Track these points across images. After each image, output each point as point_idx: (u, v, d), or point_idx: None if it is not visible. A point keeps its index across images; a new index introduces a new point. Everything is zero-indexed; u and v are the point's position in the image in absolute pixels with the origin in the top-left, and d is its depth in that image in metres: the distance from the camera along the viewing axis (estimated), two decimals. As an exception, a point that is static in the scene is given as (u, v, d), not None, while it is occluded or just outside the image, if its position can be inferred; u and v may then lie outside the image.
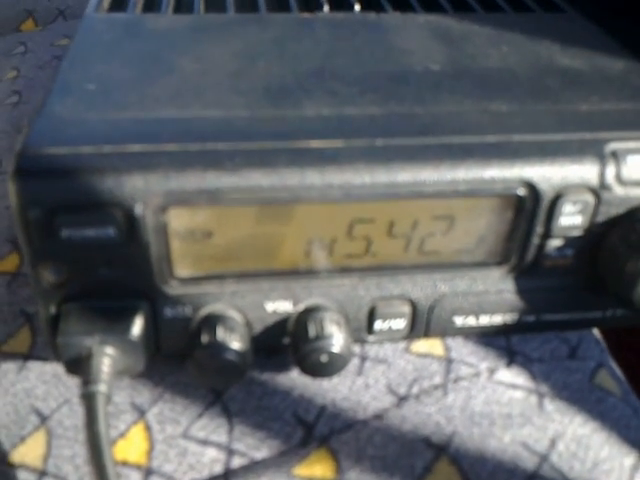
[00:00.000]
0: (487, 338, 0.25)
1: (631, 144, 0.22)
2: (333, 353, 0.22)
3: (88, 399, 0.20)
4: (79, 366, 0.21)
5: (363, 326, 0.24)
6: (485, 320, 0.24)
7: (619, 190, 0.22)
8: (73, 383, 0.24)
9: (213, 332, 0.22)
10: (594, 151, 0.22)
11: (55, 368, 0.25)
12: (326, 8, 0.31)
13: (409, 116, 0.23)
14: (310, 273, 0.23)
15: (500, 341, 0.25)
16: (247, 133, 0.21)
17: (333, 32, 0.29)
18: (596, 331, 0.27)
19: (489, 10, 0.32)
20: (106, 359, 0.21)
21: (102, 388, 0.20)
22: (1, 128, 0.39)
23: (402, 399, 0.23)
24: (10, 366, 0.25)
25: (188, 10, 0.31)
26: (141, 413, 0.23)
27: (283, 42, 0.28)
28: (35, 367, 0.25)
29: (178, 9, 0.31)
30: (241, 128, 0.22)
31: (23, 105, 0.41)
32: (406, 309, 0.24)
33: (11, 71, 0.47)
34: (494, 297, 0.24)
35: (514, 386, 0.24)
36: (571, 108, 0.24)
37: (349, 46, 0.28)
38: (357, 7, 0.32)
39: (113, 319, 0.21)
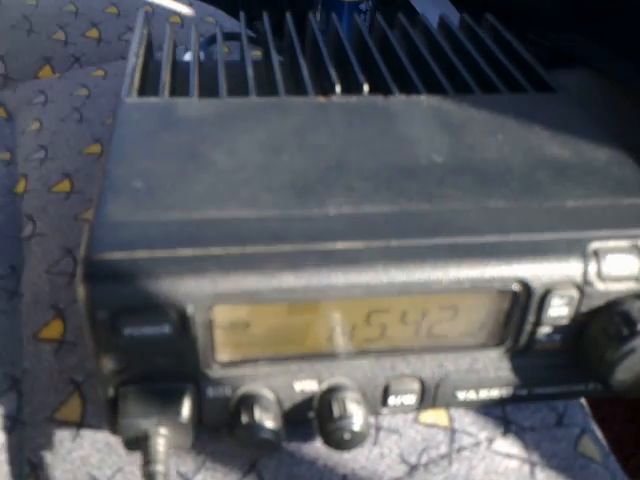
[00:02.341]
0: (486, 408, 0.29)
1: (610, 243, 0.25)
2: (355, 431, 0.25)
3: (149, 477, 0.23)
4: (138, 445, 0.24)
5: (378, 401, 0.27)
6: (484, 394, 0.28)
7: (600, 285, 0.25)
8: (124, 451, 0.27)
9: (251, 413, 0.25)
10: (578, 250, 0.25)
11: (106, 436, 0.28)
12: (338, 89, 0.34)
13: (418, 214, 0.26)
14: (332, 355, 0.26)
15: (497, 410, 0.29)
16: (280, 235, 0.25)
17: (347, 119, 0.32)
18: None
19: (486, 91, 0.35)
20: (161, 439, 0.24)
21: (160, 468, 0.23)
22: (32, 186, 0.42)
23: (413, 468, 0.27)
24: (65, 434, 0.28)
25: (213, 93, 0.34)
26: (186, 480, 0.27)
27: (303, 131, 0.31)
28: (88, 435, 0.28)
29: (204, 92, 0.34)
30: (274, 230, 0.25)
31: (50, 162, 0.44)
32: (416, 386, 0.27)
33: (34, 122, 0.49)
34: (492, 374, 0.27)
35: (509, 456, 0.27)
36: (558, 204, 0.27)
37: (362, 135, 0.31)
38: (366, 88, 0.35)
39: (166, 402, 0.25)
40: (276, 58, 0.37)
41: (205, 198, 0.26)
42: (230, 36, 0.51)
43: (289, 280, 0.24)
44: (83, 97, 0.51)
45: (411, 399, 0.27)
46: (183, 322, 0.23)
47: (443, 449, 0.27)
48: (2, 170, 0.45)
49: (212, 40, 0.50)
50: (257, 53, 0.52)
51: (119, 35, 0.60)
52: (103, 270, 0.23)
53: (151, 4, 0.64)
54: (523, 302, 0.25)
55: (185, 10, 0.64)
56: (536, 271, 0.25)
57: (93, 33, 0.60)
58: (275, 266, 0.24)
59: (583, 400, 0.31)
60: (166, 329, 0.23)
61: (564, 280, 0.25)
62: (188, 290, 0.23)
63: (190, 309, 0.23)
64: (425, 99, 0.34)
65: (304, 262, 0.24)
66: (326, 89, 0.35)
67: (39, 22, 0.59)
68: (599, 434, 0.29)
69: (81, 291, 0.23)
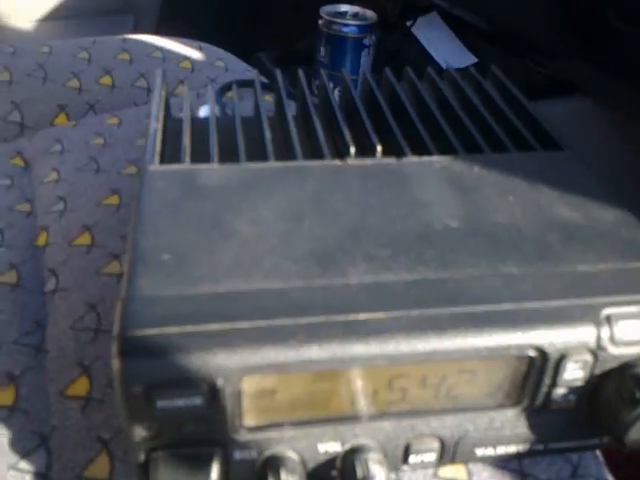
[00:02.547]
0: (503, 462, 0.30)
1: (622, 309, 0.27)
2: (378, 491, 0.26)
3: None
4: (168, 508, 0.25)
5: (399, 459, 0.28)
6: (502, 450, 0.29)
7: (613, 349, 0.26)
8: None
9: (277, 474, 0.26)
10: (591, 317, 0.26)
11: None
12: (352, 150, 0.36)
13: (436, 282, 0.27)
14: (355, 418, 0.27)
15: (514, 464, 0.30)
16: (303, 306, 0.26)
17: (362, 184, 0.33)
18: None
19: (495, 149, 0.36)
20: (192, 504, 0.25)
21: (191, 532, 0.24)
22: (53, 239, 0.43)
23: (433, 522, 0.28)
24: (94, 492, 0.29)
25: (232, 155, 0.35)
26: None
27: (321, 196, 0.32)
28: (117, 493, 0.29)
29: (223, 154, 0.35)
30: (298, 301, 0.26)
31: (69, 214, 0.45)
32: (436, 445, 0.28)
33: (51, 172, 0.51)
34: (509, 431, 0.28)
35: (527, 511, 0.28)
36: (570, 269, 0.28)
37: (377, 200, 0.32)
38: (379, 149, 0.36)
39: (195, 466, 0.26)
40: (291, 119, 0.38)
41: (230, 270, 0.27)
42: (243, 83, 0.52)
43: (314, 352, 0.25)
44: (99, 147, 0.52)
45: (431, 457, 0.28)
46: (213, 394, 0.24)
47: (463, 507, 0.28)
48: (23, 222, 0.46)
49: (225, 89, 0.52)
50: (269, 98, 0.54)
51: (132, 81, 0.61)
52: (136, 346, 0.24)
53: (162, 49, 0.66)
54: (539, 366, 0.26)
55: (195, 54, 0.66)
56: (551, 338, 0.26)
57: (106, 80, 0.61)
58: (300, 339, 0.25)
59: (597, 451, 0.32)
60: (197, 401, 0.24)
61: (578, 346, 0.26)
62: (218, 364, 0.24)
63: (220, 382, 0.24)
64: (437, 160, 0.35)
65: (328, 334, 0.25)
66: (341, 149, 0.36)
67: (53, 70, 0.61)
68: None
69: (116, 366, 0.24)
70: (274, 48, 1.08)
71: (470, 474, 0.29)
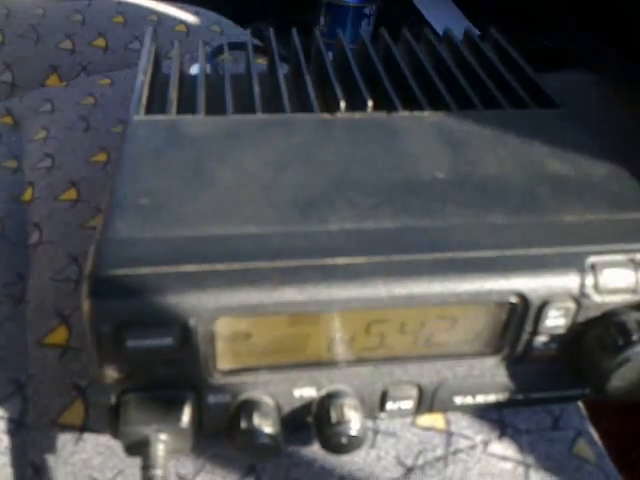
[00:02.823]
0: (482, 411, 0.29)
1: (607, 257, 0.26)
2: (352, 436, 0.26)
3: (149, 482, 0.24)
4: (138, 450, 0.25)
5: (376, 406, 0.28)
6: (481, 399, 0.28)
7: (596, 297, 0.26)
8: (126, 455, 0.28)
9: (250, 418, 0.26)
10: (576, 264, 0.26)
11: (108, 440, 0.28)
12: (342, 105, 0.35)
13: (419, 230, 0.27)
14: (331, 363, 0.27)
15: (494, 414, 0.29)
16: (282, 251, 0.25)
17: (350, 136, 0.32)
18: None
19: (489, 107, 0.36)
20: (161, 445, 0.25)
21: (159, 472, 0.24)
22: (38, 194, 0.43)
23: (409, 470, 0.27)
24: (68, 437, 0.29)
25: (220, 109, 0.34)
26: (186, 483, 0.27)
27: (307, 147, 0.31)
28: (90, 439, 0.29)
29: (210, 108, 0.34)
30: (277, 245, 0.25)
31: (56, 170, 0.45)
32: (414, 392, 0.27)
33: (41, 131, 0.50)
34: (489, 380, 0.28)
35: (504, 458, 0.28)
36: (557, 219, 0.28)
37: (365, 152, 0.31)
38: (370, 104, 0.35)
39: (166, 409, 0.25)
40: (281, 75, 0.37)
41: (210, 215, 0.27)
42: (236, 46, 0.51)
43: (290, 294, 0.24)
44: (89, 106, 0.51)
45: (409, 404, 0.28)
46: (185, 334, 0.24)
47: (439, 452, 0.28)
48: (9, 178, 0.45)
49: (218, 51, 0.51)
50: (262, 61, 0.53)
51: (126, 44, 0.61)
52: (107, 286, 0.23)
53: (157, 13, 0.65)
54: (520, 313, 0.26)
55: (191, 19, 0.65)
56: (533, 284, 0.25)
57: (100, 42, 0.60)
58: (276, 281, 0.24)
59: (580, 403, 0.31)
60: (168, 341, 0.24)
61: (561, 293, 0.25)
62: (190, 304, 0.23)
63: (192, 322, 0.24)
64: (428, 115, 0.34)
65: (305, 277, 0.24)
66: (331, 105, 0.35)
67: (46, 31, 0.60)
68: (595, 436, 0.30)
69: (86, 306, 0.23)
70: (274, 18, 1.07)
71: (448, 423, 0.29)
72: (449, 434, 0.28)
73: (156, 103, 0.35)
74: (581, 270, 0.25)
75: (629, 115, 0.84)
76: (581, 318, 0.26)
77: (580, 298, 0.26)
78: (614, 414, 0.81)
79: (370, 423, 0.29)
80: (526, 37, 0.96)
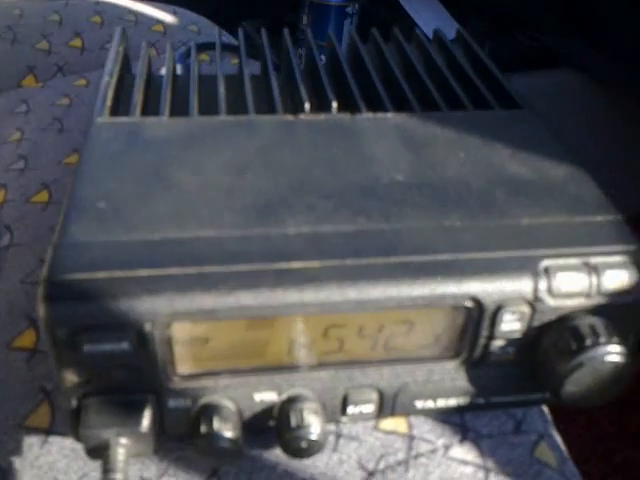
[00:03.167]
0: (445, 415, 0.29)
1: (560, 261, 0.26)
2: (311, 440, 0.26)
3: (107, 486, 0.24)
4: (99, 453, 0.25)
5: (338, 410, 0.28)
6: (442, 403, 0.28)
7: (550, 301, 0.26)
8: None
9: (210, 423, 0.26)
10: (529, 268, 0.26)
11: (73, 443, 0.29)
12: (307, 106, 0.35)
13: (376, 233, 0.27)
14: (292, 368, 0.27)
15: (456, 418, 0.30)
16: (238, 255, 0.25)
17: (312, 138, 0.33)
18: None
19: (453, 108, 0.36)
20: (121, 449, 0.25)
21: (119, 476, 0.24)
22: (11, 197, 0.43)
23: (371, 474, 0.27)
24: (34, 440, 0.29)
25: (184, 112, 0.34)
26: (148, 486, 0.28)
27: (269, 150, 0.31)
28: (56, 441, 0.29)
29: (177, 109, 0.35)
30: (232, 249, 0.26)
31: (29, 171, 0.45)
32: (374, 396, 0.28)
33: (15, 132, 0.50)
34: (449, 384, 0.28)
35: (465, 462, 0.28)
36: (513, 222, 0.28)
37: (326, 154, 0.31)
38: (335, 105, 0.35)
39: (126, 413, 0.25)
40: (247, 76, 0.37)
41: (167, 219, 0.27)
42: (207, 46, 0.51)
43: (245, 299, 0.24)
44: (64, 107, 0.52)
45: (370, 408, 0.28)
46: (141, 339, 0.24)
47: (401, 455, 0.28)
48: (-18, 180, 0.45)
49: (190, 52, 0.51)
50: (236, 62, 0.53)
51: (102, 44, 0.61)
52: (63, 290, 0.24)
53: (135, 13, 0.65)
54: (476, 317, 0.26)
55: (168, 18, 0.65)
56: (487, 288, 0.25)
57: (77, 42, 0.60)
58: (231, 285, 0.24)
59: (544, 407, 0.31)
60: (125, 345, 0.24)
61: (515, 297, 0.26)
62: (145, 309, 0.24)
63: (148, 327, 0.24)
64: (391, 117, 0.34)
65: (260, 281, 0.24)
66: (296, 106, 0.36)
67: (23, 32, 0.60)
68: (558, 439, 0.30)
69: (41, 310, 0.23)
70: (259, 17, 1.07)
71: (411, 427, 0.29)
72: (411, 438, 0.29)
73: (122, 104, 0.36)
74: (534, 274, 0.26)
75: (607, 117, 0.84)
76: (536, 322, 0.26)
77: (534, 302, 0.26)
78: (599, 415, 0.82)
79: (333, 427, 0.29)
80: (511, 37, 0.96)
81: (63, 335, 0.24)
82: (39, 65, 0.58)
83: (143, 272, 0.24)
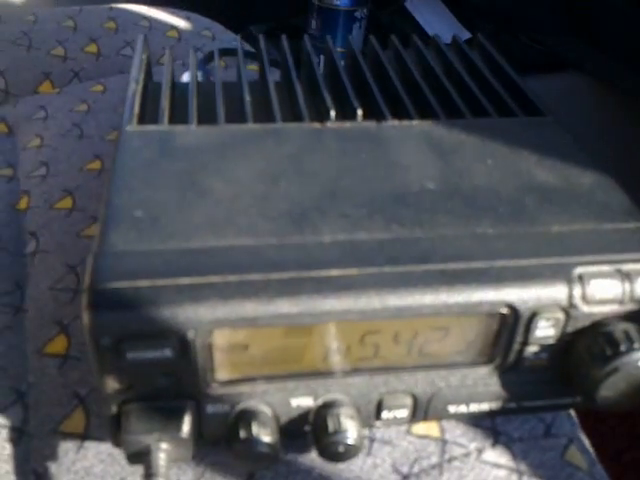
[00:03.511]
0: (476, 420, 0.30)
1: (593, 268, 0.27)
2: (349, 445, 0.26)
3: (151, 492, 0.24)
4: (140, 459, 0.26)
5: (372, 415, 0.28)
6: (475, 407, 0.29)
7: (584, 308, 0.26)
8: (126, 462, 0.28)
9: (249, 427, 0.26)
10: (563, 275, 0.26)
11: (109, 448, 0.29)
12: (332, 114, 0.35)
13: (410, 241, 0.27)
14: (328, 374, 0.27)
15: (487, 422, 0.30)
16: (276, 263, 0.26)
17: (341, 146, 0.33)
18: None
19: (477, 115, 0.36)
20: (162, 454, 0.25)
21: (161, 481, 0.24)
22: (34, 203, 0.43)
23: (405, 477, 0.28)
24: (69, 445, 0.29)
25: (211, 118, 0.35)
26: (186, 491, 0.28)
27: (299, 158, 0.32)
28: (92, 447, 0.29)
29: (202, 116, 0.35)
30: (271, 257, 0.26)
31: (51, 178, 0.45)
32: (408, 401, 0.28)
33: (35, 138, 0.50)
34: (482, 389, 0.28)
35: (498, 465, 0.28)
36: (544, 230, 0.28)
37: (356, 162, 0.32)
38: (360, 113, 0.36)
39: (167, 418, 0.26)
40: (272, 83, 0.38)
41: (204, 227, 0.27)
42: (227, 52, 0.52)
43: (285, 306, 0.25)
44: (83, 113, 0.52)
45: (404, 413, 0.28)
46: (184, 346, 0.24)
47: (434, 459, 0.28)
48: (4, 186, 0.46)
49: (209, 58, 0.51)
50: (253, 67, 0.54)
51: (118, 50, 0.61)
52: (106, 299, 0.24)
53: (149, 18, 0.65)
54: (511, 324, 0.26)
55: (182, 24, 0.65)
56: (523, 295, 0.26)
57: (92, 48, 0.61)
58: (271, 293, 0.25)
59: (571, 411, 0.32)
60: (167, 353, 0.24)
61: (550, 303, 0.26)
62: (188, 317, 0.24)
63: (190, 334, 0.24)
64: (417, 124, 0.35)
65: (299, 289, 0.25)
66: (321, 114, 0.36)
67: (38, 38, 0.61)
68: (586, 443, 0.31)
69: (86, 318, 0.24)
70: (268, 21, 1.07)
71: (443, 431, 0.30)
72: (444, 442, 0.29)
73: (148, 112, 0.36)
74: (569, 281, 0.26)
75: (616, 120, 0.85)
76: (570, 328, 0.27)
77: (568, 309, 0.26)
78: (607, 416, 0.82)
79: (366, 431, 0.30)
80: (518, 40, 0.97)
81: (107, 343, 0.24)
82: (55, 71, 0.58)
83: (185, 280, 0.25)
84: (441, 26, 1.06)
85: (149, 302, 0.24)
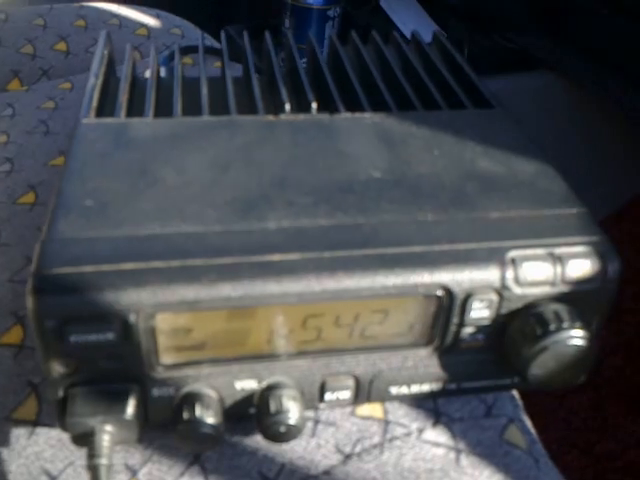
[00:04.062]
0: (419, 401, 0.31)
1: (526, 252, 0.28)
2: (290, 425, 0.27)
3: (93, 470, 0.25)
4: (84, 441, 0.26)
5: (316, 397, 0.29)
6: (416, 389, 0.30)
7: (517, 289, 0.27)
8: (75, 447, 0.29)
9: (192, 409, 0.27)
10: (497, 258, 0.27)
11: (59, 433, 0.30)
12: (287, 107, 0.36)
13: (353, 227, 0.28)
14: (271, 356, 0.28)
15: (429, 403, 0.31)
16: (220, 248, 0.26)
17: (293, 137, 0.34)
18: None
19: (428, 108, 0.37)
20: (106, 435, 0.26)
21: (104, 461, 0.25)
22: (-3, 198, 0.44)
23: (347, 457, 0.29)
24: (21, 432, 0.30)
25: (168, 113, 0.35)
26: (133, 473, 0.29)
27: (250, 149, 0.33)
28: (43, 432, 0.30)
29: (161, 111, 0.36)
30: (214, 243, 0.27)
31: (15, 174, 0.46)
32: (351, 383, 0.29)
33: (1, 135, 0.51)
34: (422, 371, 0.29)
35: (437, 444, 0.29)
36: (483, 215, 0.29)
37: (306, 152, 0.33)
38: (314, 106, 0.37)
39: (111, 401, 0.26)
40: (229, 77, 0.38)
41: (152, 215, 0.28)
42: (190, 49, 0.53)
43: (226, 290, 0.25)
44: (49, 110, 0.52)
45: (346, 395, 0.29)
46: (126, 329, 0.25)
47: (376, 439, 0.29)
48: (-31, 182, 0.46)
49: (173, 55, 0.52)
50: (219, 64, 0.54)
51: (86, 48, 0.61)
52: (50, 283, 0.25)
53: (118, 16, 0.66)
54: (447, 306, 0.27)
55: (152, 22, 0.66)
56: (457, 277, 0.27)
57: (61, 46, 0.61)
58: (212, 277, 0.25)
59: (515, 392, 0.33)
60: (110, 336, 0.25)
61: (484, 285, 0.27)
62: (130, 300, 0.25)
63: (132, 318, 0.25)
64: (369, 117, 0.36)
65: (240, 273, 0.26)
66: (278, 108, 0.37)
67: (8, 36, 0.61)
68: (528, 424, 0.32)
69: (30, 302, 0.24)
70: (244, 21, 1.08)
71: (386, 413, 0.30)
72: (386, 423, 0.30)
73: (107, 106, 0.37)
74: (502, 263, 0.27)
75: (586, 100, 0.86)
76: (504, 310, 0.28)
77: (501, 290, 0.27)
78: (580, 409, 0.84)
79: (311, 413, 0.30)
80: (491, 39, 0.98)
81: (50, 326, 0.25)
82: (24, 69, 0.59)
83: (128, 265, 0.25)
84: (415, 25, 1.07)
85: (92, 286, 0.25)
